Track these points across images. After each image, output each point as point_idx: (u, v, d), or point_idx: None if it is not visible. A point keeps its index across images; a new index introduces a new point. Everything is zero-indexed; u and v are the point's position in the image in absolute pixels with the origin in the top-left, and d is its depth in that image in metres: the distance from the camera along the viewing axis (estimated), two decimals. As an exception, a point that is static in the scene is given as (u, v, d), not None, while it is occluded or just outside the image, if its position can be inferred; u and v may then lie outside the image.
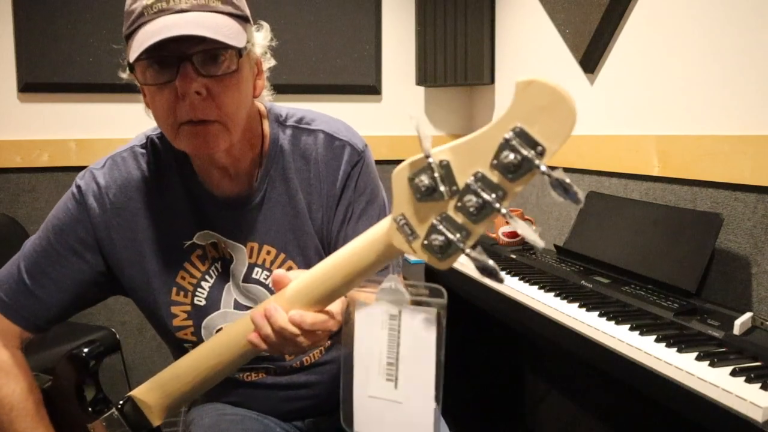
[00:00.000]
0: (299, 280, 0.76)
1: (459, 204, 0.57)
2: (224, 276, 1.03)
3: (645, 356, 1.15)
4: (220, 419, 1.09)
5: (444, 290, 0.67)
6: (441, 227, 0.59)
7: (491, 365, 2.33)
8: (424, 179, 0.57)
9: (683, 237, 1.48)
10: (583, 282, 1.59)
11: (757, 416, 0.93)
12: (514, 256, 1.96)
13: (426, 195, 0.58)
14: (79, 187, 1.01)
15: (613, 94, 1.95)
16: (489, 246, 2.13)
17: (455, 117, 3.01)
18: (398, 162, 0.62)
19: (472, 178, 0.56)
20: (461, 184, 0.57)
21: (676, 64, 1.68)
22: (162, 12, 0.82)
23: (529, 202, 2.41)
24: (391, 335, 0.69)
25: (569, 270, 1.71)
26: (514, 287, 1.62)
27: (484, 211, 0.56)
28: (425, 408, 0.68)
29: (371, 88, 2.86)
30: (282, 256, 1.02)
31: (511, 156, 0.54)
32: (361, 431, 0.72)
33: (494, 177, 0.56)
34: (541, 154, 0.53)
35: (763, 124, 1.42)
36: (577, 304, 1.43)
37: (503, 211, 0.56)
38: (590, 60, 2.02)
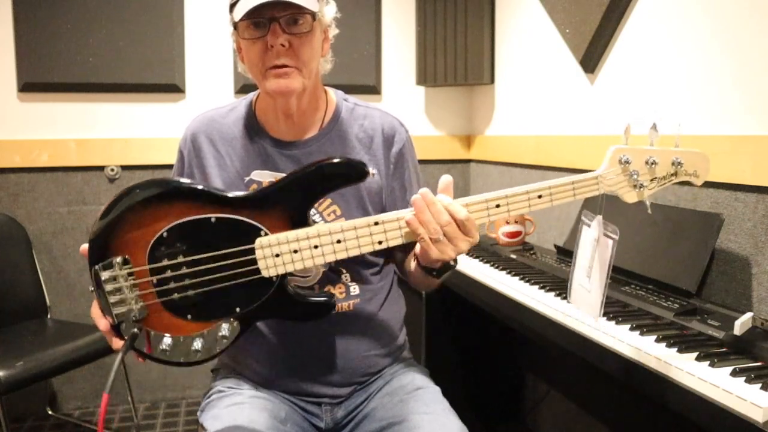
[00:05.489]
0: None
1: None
2: None
3: (645, 356, 1.15)
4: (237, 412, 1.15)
5: (616, 229, 1.04)
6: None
7: (491, 365, 2.33)
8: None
9: (683, 237, 1.48)
10: (583, 282, 1.59)
11: (758, 416, 0.93)
12: (514, 256, 1.96)
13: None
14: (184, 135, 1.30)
15: (613, 94, 1.95)
16: (489, 246, 2.13)
17: (455, 117, 3.01)
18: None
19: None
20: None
21: (676, 64, 1.68)
22: None
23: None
24: (592, 250, 1.09)
25: (569, 270, 1.71)
26: (514, 287, 1.62)
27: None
28: (598, 296, 1.07)
29: (371, 88, 2.86)
30: (329, 200, 1.21)
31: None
32: (572, 302, 1.17)
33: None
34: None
35: (763, 124, 1.42)
36: (577, 304, 1.43)
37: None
38: (590, 60, 2.02)
